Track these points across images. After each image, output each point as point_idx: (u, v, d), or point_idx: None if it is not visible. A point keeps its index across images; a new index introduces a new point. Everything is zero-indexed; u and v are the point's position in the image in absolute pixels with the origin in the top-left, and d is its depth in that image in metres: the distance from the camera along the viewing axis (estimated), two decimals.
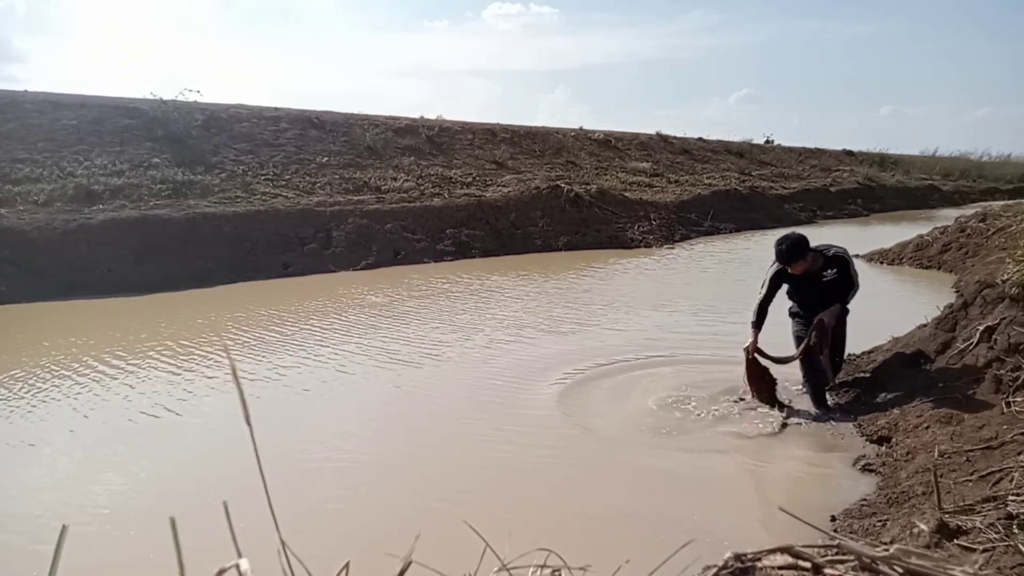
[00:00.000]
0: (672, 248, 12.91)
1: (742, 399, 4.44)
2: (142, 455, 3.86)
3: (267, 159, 12.36)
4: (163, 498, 3.37)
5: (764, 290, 4.38)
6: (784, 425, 4.11)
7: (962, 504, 2.48)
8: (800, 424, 4.14)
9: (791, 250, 4.18)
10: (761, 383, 4.37)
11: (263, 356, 5.74)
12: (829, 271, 4.25)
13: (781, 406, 4.32)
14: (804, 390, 4.44)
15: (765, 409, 4.32)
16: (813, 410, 4.27)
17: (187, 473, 3.65)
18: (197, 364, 5.53)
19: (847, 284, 4.28)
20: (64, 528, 0.60)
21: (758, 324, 4.36)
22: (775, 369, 4.43)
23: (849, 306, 4.38)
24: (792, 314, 4.58)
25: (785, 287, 4.47)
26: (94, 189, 9.76)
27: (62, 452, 3.90)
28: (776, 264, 4.32)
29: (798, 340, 4.48)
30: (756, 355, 4.35)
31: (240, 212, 10.30)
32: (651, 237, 13.45)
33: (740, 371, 4.47)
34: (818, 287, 4.28)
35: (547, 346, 5.96)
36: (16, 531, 3.05)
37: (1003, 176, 30.99)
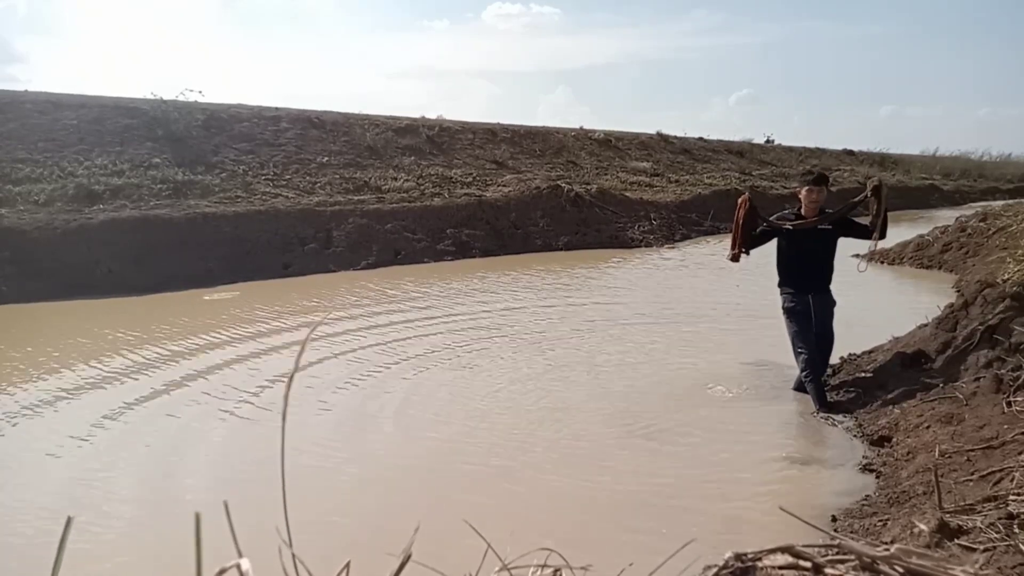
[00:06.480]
0: (672, 248, 12.92)
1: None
2: (141, 456, 3.86)
3: (267, 159, 12.36)
4: (162, 498, 3.37)
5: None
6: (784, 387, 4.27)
7: (963, 504, 2.47)
8: (801, 424, 4.14)
9: (821, 174, 4.69)
10: (744, 227, 4.60)
11: (264, 354, 5.74)
12: (825, 223, 4.48)
13: (738, 256, 4.64)
14: (805, 380, 4.43)
15: (765, 408, 4.33)
16: (814, 409, 4.27)
17: (185, 473, 3.65)
18: (196, 365, 5.52)
19: (847, 232, 4.48)
20: (69, 520, 0.60)
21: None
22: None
23: (836, 298, 4.56)
24: (786, 311, 4.57)
25: (782, 249, 4.63)
26: (94, 189, 9.77)
27: (61, 452, 3.90)
28: (782, 213, 4.77)
29: (794, 340, 4.49)
30: (751, 204, 4.62)
31: (240, 212, 10.31)
32: (652, 237, 13.46)
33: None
34: (811, 237, 4.47)
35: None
36: (20, 533, 3.05)
37: (1003, 176, 30.96)
